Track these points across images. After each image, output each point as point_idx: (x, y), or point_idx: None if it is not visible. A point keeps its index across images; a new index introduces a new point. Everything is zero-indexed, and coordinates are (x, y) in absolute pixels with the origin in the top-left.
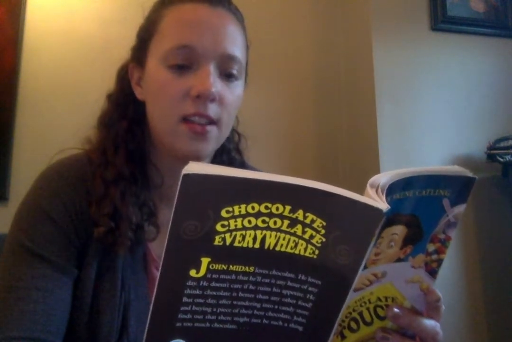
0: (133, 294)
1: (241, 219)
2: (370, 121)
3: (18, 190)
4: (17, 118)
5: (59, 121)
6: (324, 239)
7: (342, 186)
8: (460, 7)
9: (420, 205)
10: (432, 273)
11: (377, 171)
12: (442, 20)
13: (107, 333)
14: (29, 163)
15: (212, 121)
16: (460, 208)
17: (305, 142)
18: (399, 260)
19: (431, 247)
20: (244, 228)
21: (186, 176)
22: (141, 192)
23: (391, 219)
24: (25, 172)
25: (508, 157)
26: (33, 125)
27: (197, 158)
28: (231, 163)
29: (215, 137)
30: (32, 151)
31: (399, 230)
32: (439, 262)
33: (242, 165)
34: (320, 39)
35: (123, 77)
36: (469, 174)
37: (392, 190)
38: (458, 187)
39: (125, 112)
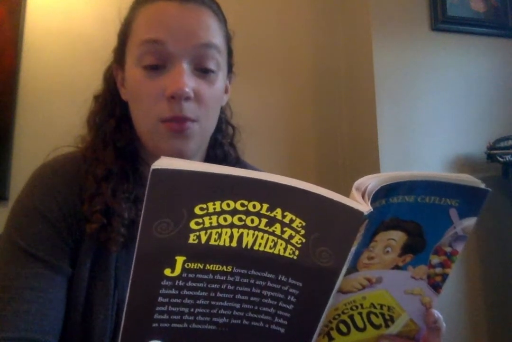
0: (126, 292)
1: (216, 216)
2: (370, 121)
3: (18, 190)
4: (17, 118)
5: (59, 121)
6: (304, 240)
7: (342, 186)
8: (460, 7)
9: (423, 212)
10: (436, 287)
11: (377, 171)
12: (442, 20)
13: (101, 332)
14: (29, 163)
15: (190, 120)
16: (470, 221)
17: (305, 142)
18: (397, 267)
19: (435, 259)
20: (219, 225)
21: (155, 171)
22: (134, 188)
23: (387, 224)
24: (25, 171)
25: (508, 157)
26: (33, 125)
27: (181, 157)
28: (225, 157)
29: (197, 134)
30: (32, 151)
31: (397, 236)
32: (444, 276)
33: (237, 160)
34: (320, 39)
35: (109, 78)
36: (481, 185)
37: (382, 193)
38: (468, 197)
39: (112, 112)
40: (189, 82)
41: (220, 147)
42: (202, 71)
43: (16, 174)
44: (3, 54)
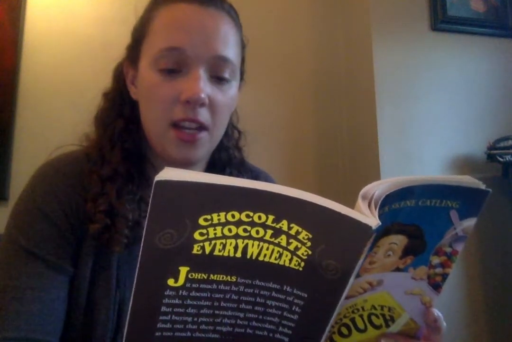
0: (128, 292)
1: (220, 227)
2: (370, 121)
3: (18, 190)
4: (17, 118)
5: (59, 121)
6: (310, 252)
7: (342, 186)
8: (460, 7)
9: (424, 215)
10: (436, 286)
11: (377, 170)
12: (442, 20)
13: (102, 332)
14: (29, 163)
15: (202, 126)
16: (470, 222)
17: (305, 142)
18: (397, 269)
19: (435, 260)
20: (224, 236)
21: (159, 183)
22: (138, 189)
23: (389, 228)
24: (25, 172)
25: (508, 157)
26: (33, 125)
27: (188, 163)
28: (229, 160)
29: (207, 143)
30: (32, 151)
31: (398, 240)
32: (444, 276)
33: (242, 163)
34: (320, 39)
35: (119, 76)
36: (482, 186)
37: (389, 200)
38: (468, 199)
39: (121, 111)
40: (205, 89)
41: (225, 151)
42: (218, 79)
43: (16, 174)
44: (3, 54)
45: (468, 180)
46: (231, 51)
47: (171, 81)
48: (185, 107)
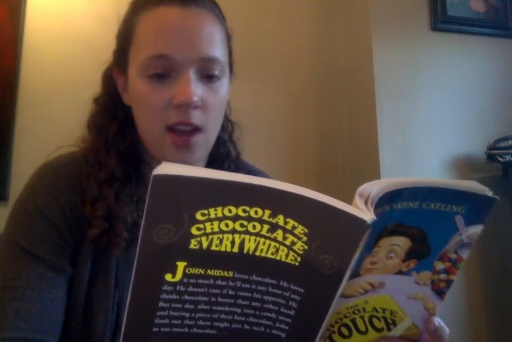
0: (127, 292)
1: (217, 222)
2: (370, 121)
3: (18, 190)
4: (17, 118)
5: (59, 121)
6: (306, 247)
7: (342, 186)
8: (460, 7)
9: (428, 218)
10: (439, 293)
11: (377, 170)
12: (442, 20)
13: (101, 333)
14: (29, 163)
15: (197, 128)
16: (476, 229)
17: (305, 142)
18: (400, 272)
19: (439, 265)
20: (221, 231)
21: (156, 177)
22: (136, 191)
23: (391, 229)
24: (25, 172)
25: (508, 157)
26: (33, 125)
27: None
28: (227, 155)
29: (202, 145)
30: (32, 151)
31: (401, 242)
32: (448, 282)
33: (238, 158)
34: (320, 39)
35: (109, 81)
36: (488, 193)
37: (386, 199)
38: (474, 205)
39: (114, 115)
40: (197, 91)
41: (223, 145)
42: (208, 78)
43: (16, 174)
44: (3, 54)
45: (474, 186)
46: (218, 50)
47: (161, 87)
48: (179, 111)
